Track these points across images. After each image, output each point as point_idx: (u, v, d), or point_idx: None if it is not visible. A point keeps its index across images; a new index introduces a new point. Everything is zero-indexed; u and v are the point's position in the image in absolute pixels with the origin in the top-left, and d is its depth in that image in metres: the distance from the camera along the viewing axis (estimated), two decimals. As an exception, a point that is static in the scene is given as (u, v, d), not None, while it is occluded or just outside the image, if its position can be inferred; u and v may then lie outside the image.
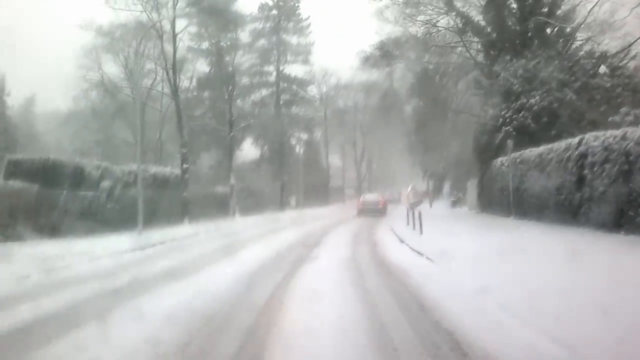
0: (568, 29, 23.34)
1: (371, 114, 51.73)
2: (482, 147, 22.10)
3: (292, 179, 44.02)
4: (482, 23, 24.89)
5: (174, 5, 25.94)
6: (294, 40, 46.72)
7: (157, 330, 5.57)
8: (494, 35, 24.02)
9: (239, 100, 39.46)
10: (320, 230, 20.22)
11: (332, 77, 50.76)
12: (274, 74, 45.61)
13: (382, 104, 45.39)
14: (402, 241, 14.21)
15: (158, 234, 17.66)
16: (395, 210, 32.67)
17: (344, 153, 59.69)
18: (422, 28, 26.33)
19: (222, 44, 35.22)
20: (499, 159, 19.85)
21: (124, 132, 32.86)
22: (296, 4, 46.12)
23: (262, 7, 44.83)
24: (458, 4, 25.22)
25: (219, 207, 30.11)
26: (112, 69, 32.90)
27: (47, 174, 18.00)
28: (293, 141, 48.53)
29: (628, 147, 10.28)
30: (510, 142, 18.01)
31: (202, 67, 37.00)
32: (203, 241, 17.26)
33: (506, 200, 18.45)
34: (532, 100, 19.45)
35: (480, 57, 25.92)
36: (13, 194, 16.49)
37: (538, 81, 19.71)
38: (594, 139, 11.71)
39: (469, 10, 25.56)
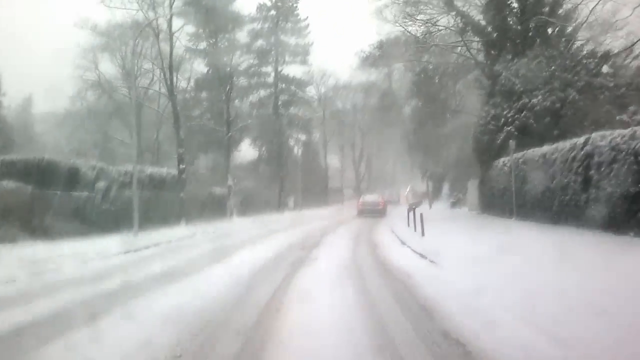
0: (570, 29, 23.12)
1: (370, 115, 51.49)
2: (483, 148, 21.79)
3: (291, 179, 43.71)
4: (483, 22, 24.62)
5: (171, 4, 25.64)
6: (292, 40, 46.50)
7: (147, 340, 5.24)
8: (495, 34, 23.72)
9: (237, 101, 39.22)
10: (319, 231, 19.92)
11: (331, 78, 50.65)
12: (272, 74, 45.31)
13: (381, 105, 45.11)
14: (403, 243, 13.91)
15: (154, 236, 17.36)
16: (395, 211, 32.45)
17: (342, 154, 59.40)
18: (421, 27, 26.06)
19: (220, 44, 34.97)
20: (501, 160, 19.56)
21: (121, 133, 32.52)
22: (294, 5, 45.88)
23: (261, 8, 44.55)
24: (458, 4, 24.94)
25: (217, 208, 29.81)
26: (110, 69, 32.64)
27: (41, 174, 17.70)
28: (291, 142, 48.36)
29: (637, 146, 9.95)
30: (512, 142, 17.71)
31: (200, 67, 36.75)
32: (199, 243, 16.93)
33: (508, 201, 18.15)
34: (535, 100, 19.16)
35: (480, 57, 25.65)
36: (6, 195, 16.19)
37: (540, 81, 19.42)
38: (601, 138, 11.40)
39: (469, 10, 25.29)
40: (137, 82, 30.13)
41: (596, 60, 20.03)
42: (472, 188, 26.58)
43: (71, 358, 4.86)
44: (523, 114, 19.33)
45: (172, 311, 6.43)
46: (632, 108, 15.47)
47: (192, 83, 36.65)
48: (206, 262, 11.46)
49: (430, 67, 30.54)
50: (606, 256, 8.51)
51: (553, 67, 19.48)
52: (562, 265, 7.88)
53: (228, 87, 34.22)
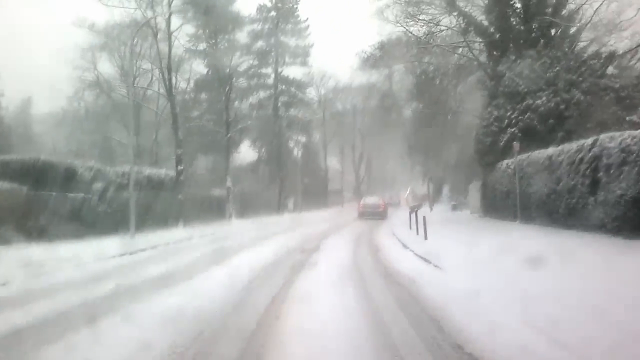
0: (573, 29, 22.88)
1: (370, 117, 51.28)
2: (486, 150, 21.48)
3: (290, 181, 43.42)
4: (485, 23, 24.37)
5: (169, 3, 25.36)
6: (292, 42, 46.21)
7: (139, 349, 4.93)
8: (497, 35, 23.48)
9: (236, 102, 38.93)
10: (320, 234, 19.62)
11: (331, 80, 50.49)
12: (272, 75, 45.02)
13: (381, 106, 44.87)
14: (405, 246, 13.59)
15: (151, 238, 17.07)
16: (395, 213, 32.18)
17: (342, 156, 59.14)
18: (423, 28, 25.79)
19: (219, 45, 34.71)
20: (504, 161, 19.25)
21: (120, 134, 32.21)
22: (295, 6, 45.60)
23: (261, 9, 44.29)
24: (460, 4, 24.69)
25: (216, 210, 29.52)
26: (108, 69, 32.34)
27: (37, 175, 17.36)
28: (291, 143, 48.08)
29: (648, 148, 9.69)
30: (516, 144, 17.41)
31: (200, 68, 36.45)
32: (197, 245, 16.60)
33: (511, 204, 17.86)
34: (539, 101, 18.87)
35: (482, 58, 25.39)
36: (1, 196, 15.85)
37: (544, 82, 19.15)
38: (610, 139, 11.10)
39: (471, 10, 25.04)
40: (136, 82, 29.95)
41: (601, 61, 19.77)
42: (474, 190, 26.29)
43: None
44: (527, 115, 19.05)
45: (165, 318, 6.13)
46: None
47: (191, 84, 36.40)
48: (203, 266, 11.13)
49: (432, 68, 30.29)
50: (620, 262, 8.21)
51: (557, 68, 19.22)
52: (577, 272, 7.56)
53: (228, 88, 33.98)
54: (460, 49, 26.23)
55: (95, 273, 10.35)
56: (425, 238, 14.02)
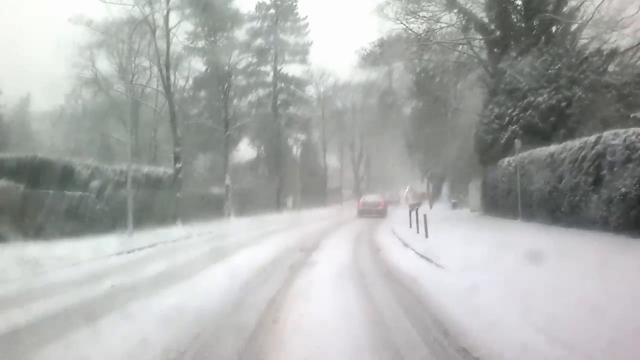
0: (575, 26, 22.70)
1: (370, 115, 51.13)
2: (486, 147, 21.33)
3: (289, 179, 43.25)
4: (486, 20, 24.21)
5: (167, -1, 25.17)
6: (291, 39, 46.00)
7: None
8: (498, 32, 23.32)
9: (235, 100, 38.73)
10: (319, 232, 19.47)
11: (330, 77, 50.36)
12: (272, 73, 44.82)
13: (381, 104, 44.77)
14: (406, 245, 13.43)
15: (149, 236, 16.90)
16: (395, 211, 32.06)
17: (342, 154, 58.99)
18: (423, 25, 25.61)
19: (218, 42, 34.49)
20: (506, 159, 19.10)
21: (119, 132, 32.03)
22: (294, 3, 45.40)
23: (260, 6, 44.09)
24: (461, 1, 24.51)
25: (214, 208, 29.33)
26: (107, 66, 32.15)
27: (34, 173, 17.14)
28: (290, 142, 47.90)
29: (654, 145, 9.54)
30: (518, 141, 17.26)
31: (199, 65, 36.24)
32: (195, 244, 16.44)
33: (512, 202, 17.71)
34: (540, 99, 18.71)
35: (483, 55, 25.23)
36: (-4, 194, 15.68)
37: (545, 79, 18.99)
38: (614, 137, 10.94)
39: (471, 7, 24.88)
40: (135, 80, 29.74)
41: (602, 58, 19.60)
42: (474, 189, 26.16)
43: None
44: (528, 113, 18.90)
45: (162, 319, 5.98)
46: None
47: (190, 81, 36.21)
48: (201, 265, 10.96)
49: (432, 65, 30.13)
50: (623, 260, 8.07)
51: (559, 65, 19.05)
52: (582, 270, 7.41)
53: (226, 86, 33.79)
54: (461, 46, 26.07)
55: (91, 273, 10.17)
56: (426, 236, 13.87)
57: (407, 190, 56.96)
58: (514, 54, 21.04)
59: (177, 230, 20.39)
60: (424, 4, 25.10)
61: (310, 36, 46.32)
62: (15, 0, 43.92)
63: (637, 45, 19.75)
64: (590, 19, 21.82)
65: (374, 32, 66.45)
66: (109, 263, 11.73)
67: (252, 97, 43.86)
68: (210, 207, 28.68)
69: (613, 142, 10.90)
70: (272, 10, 44.34)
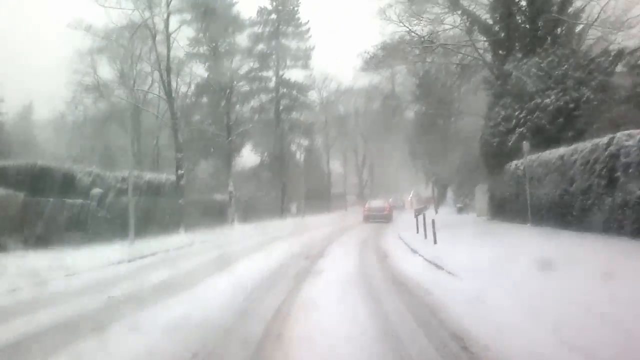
0: (580, 27, 22.43)
1: (372, 119, 50.73)
2: (493, 151, 20.99)
3: (293, 185, 42.94)
4: (490, 21, 23.96)
5: (167, 3, 24.97)
6: (293, 44, 45.79)
7: None
8: (502, 34, 23.05)
9: (237, 106, 38.54)
10: (324, 238, 19.16)
11: (333, 82, 50.09)
12: (274, 79, 44.63)
13: (384, 109, 44.38)
14: (414, 252, 13.09)
15: (151, 244, 16.63)
16: (400, 216, 31.72)
17: (345, 159, 58.66)
18: (427, 27, 25.37)
19: (220, 48, 34.33)
20: (513, 162, 18.76)
21: (121, 139, 31.85)
22: (295, 8, 45.23)
23: (261, 11, 43.95)
24: (464, 2, 24.29)
25: (218, 214, 29.06)
26: (108, 73, 32.06)
27: (35, 180, 16.94)
28: (293, 147, 47.64)
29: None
30: (526, 144, 16.92)
31: (200, 71, 36.07)
32: (198, 252, 16.14)
33: (521, 206, 17.35)
34: (547, 100, 18.38)
35: (487, 57, 24.94)
36: (-4, 202, 15.44)
37: (552, 80, 18.68)
38: (627, 137, 10.62)
39: (475, 9, 24.65)
40: (135, 85, 29.57)
41: (610, 58, 19.28)
42: (480, 193, 25.78)
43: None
44: (535, 115, 18.56)
45: (164, 332, 5.68)
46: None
47: (192, 88, 36.06)
48: (204, 274, 10.67)
49: (435, 68, 29.86)
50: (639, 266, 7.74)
51: (565, 66, 18.75)
52: (602, 277, 7.06)
53: (228, 92, 33.61)
54: (465, 49, 25.78)
55: (91, 283, 9.91)
56: (435, 242, 13.53)
57: (411, 194, 56.59)
58: (519, 55, 20.73)
59: (179, 238, 20.12)
60: (427, 6, 24.87)
61: (312, 41, 46.17)
62: (16, 8, 43.86)
63: (644, 45, 19.44)
64: (596, 19, 21.60)
65: (376, 35, 66.25)
66: (109, 272, 11.46)
67: (254, 103, 43.72)
68: (214, 214, 28.42)
69: (627, 143, 10.58)
70: (273, 16, 44.17)
